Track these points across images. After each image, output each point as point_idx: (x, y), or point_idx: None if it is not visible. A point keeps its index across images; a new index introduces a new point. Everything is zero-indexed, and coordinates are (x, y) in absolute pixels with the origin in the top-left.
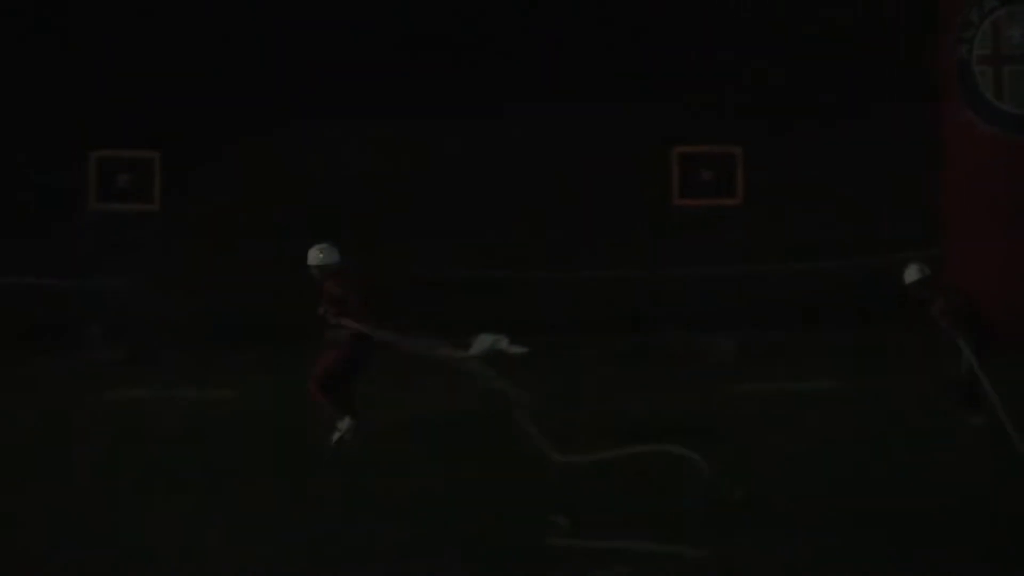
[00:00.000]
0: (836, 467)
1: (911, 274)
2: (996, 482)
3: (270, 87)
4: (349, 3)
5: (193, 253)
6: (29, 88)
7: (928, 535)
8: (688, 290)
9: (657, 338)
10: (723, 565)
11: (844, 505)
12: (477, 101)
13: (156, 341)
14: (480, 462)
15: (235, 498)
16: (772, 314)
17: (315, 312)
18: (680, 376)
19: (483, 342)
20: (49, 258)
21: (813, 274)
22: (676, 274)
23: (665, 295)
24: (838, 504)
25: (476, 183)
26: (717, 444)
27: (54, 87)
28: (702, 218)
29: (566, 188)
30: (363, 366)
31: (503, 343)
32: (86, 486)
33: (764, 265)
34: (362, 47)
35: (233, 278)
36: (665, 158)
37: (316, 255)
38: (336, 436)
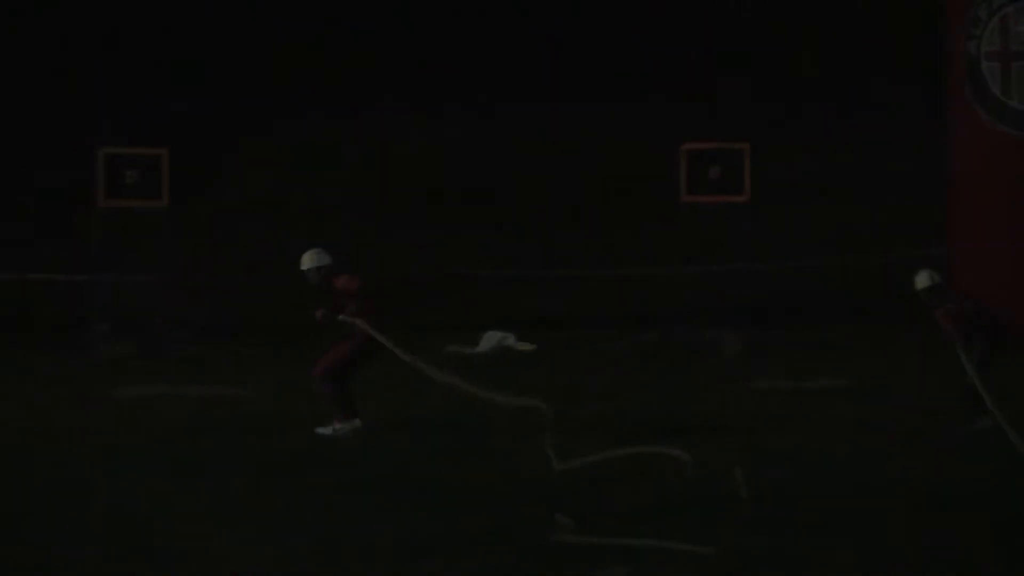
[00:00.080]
0: (842, 464)
1: (921, 280)
2: (1002, 480)
3: (278, 84)
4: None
5: (201, 249)
6: (37, 84)
7: (934, 532)
8: (696, 287)
9: (664, 335)
10: (731, 562)
11: (851, 502)
12: (483, 98)
13: (165, 337)
14: (483, 459)
15: (242, 495)
16: (780, 311)
17: (317, 312)
18: (687, 373)
19: (491, 339)
20: (58, 254)
21: (821, 271)
22: (684, 271)
23: (673, 292)
24: (845, 501)
25: (482, 180)
26: (724, 441)
27: (62, 83)
28: (710, 215)
29: (574, 185)
30: (368, 362)
31: (510, 340)
32: (98, 482)
33: (772, 262)
34: (370, 44)
35: (241, 274)
36: (673, 155)
37: (308, 259)
38: (328, 431)
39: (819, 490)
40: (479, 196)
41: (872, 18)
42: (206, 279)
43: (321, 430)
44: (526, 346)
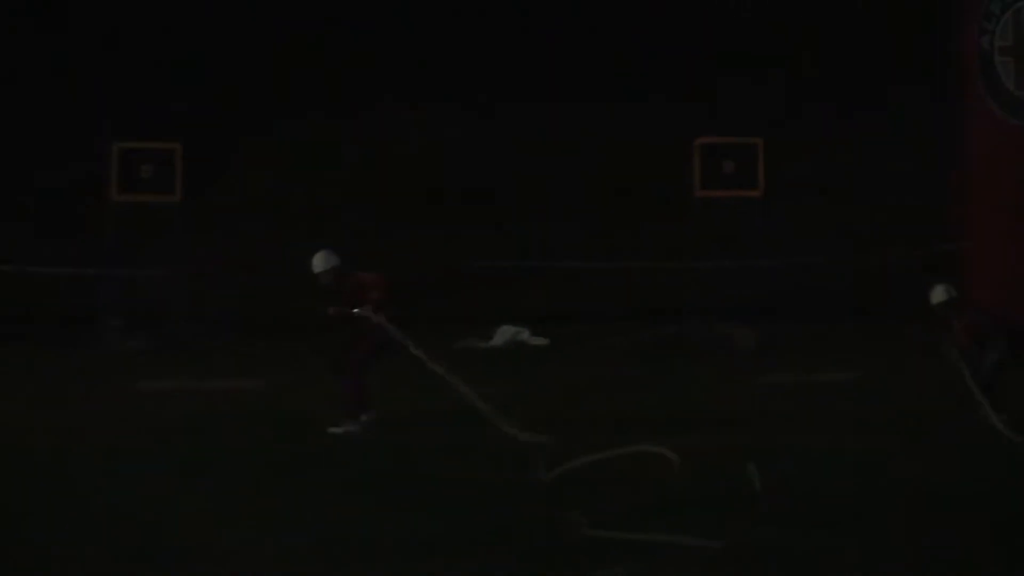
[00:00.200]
0: (847, 461)
1: (938, 295)
2: (1002, 480)
3: (292, 78)
4: None
5: (215, 244)
6: (51, 78)
7: (935, 531)
8: (709, 282)
9: (678, 329)
10: (738, 557)
11: (855, 500)
12: (483, 98)
13: (179, 332)
14: (485, 459)
15: (245, 493)
16: (793, 306)
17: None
18: (701, 367)
19: (504, 333)
20: (71, 249)
21: (833, 266)
22: (697, 266)
23: (686, 287)
24: (849, 498)
25: (496, 175)
26: (738, 435)
27: (76, 77)
28: (724, 210)
29: (588, 180)
30: (382, 358)
31: (524, 335)
32: (102, 479)
33: (785, 257)
34: (370, 44)
35: (254, 269)
36: (686, 150)
37: (320, 261)
38: (340, 430)
39: (824, 487)
40: (479, 196)
41: (887, 12)
42: (220, 273)
43: (334, 429)
44: (539, 341)
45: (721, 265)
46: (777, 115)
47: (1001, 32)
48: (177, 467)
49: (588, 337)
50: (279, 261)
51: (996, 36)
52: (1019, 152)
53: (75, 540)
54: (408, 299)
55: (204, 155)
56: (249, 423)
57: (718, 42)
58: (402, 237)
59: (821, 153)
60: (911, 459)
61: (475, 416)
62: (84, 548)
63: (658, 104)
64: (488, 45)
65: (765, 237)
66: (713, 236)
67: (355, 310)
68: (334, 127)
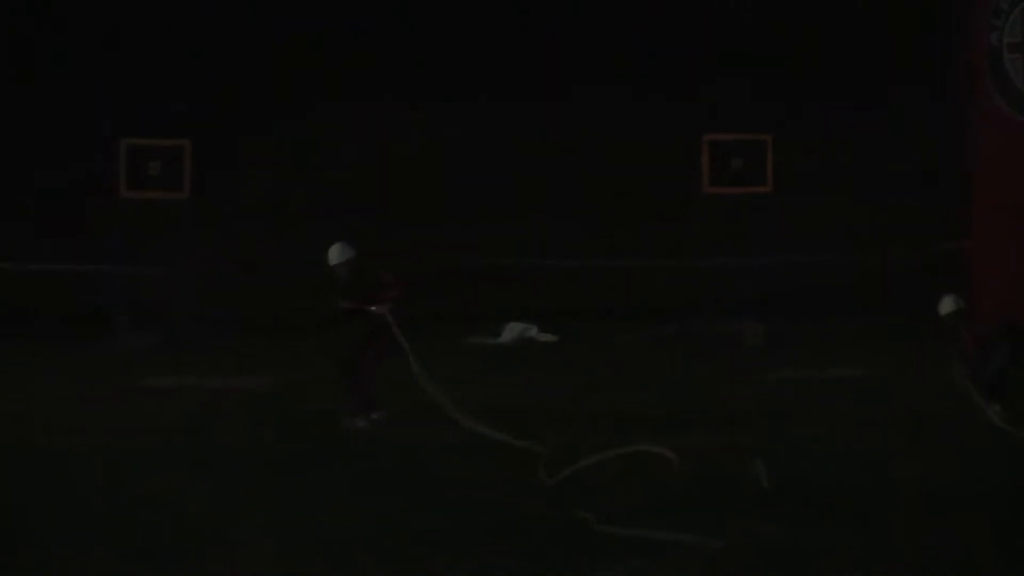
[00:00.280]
0: (850, 458)
1: (946, 306)
2: (1002, 480)
3: (301, 74)
4: None
5: (223, 241)
6: (60, 76)
7: (936, 531)
8: (718, 278)
9: (687, 325)
10: (739, 555)
11: (856, 498)
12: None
13: (187, 329)
14: (487, 457)
15: (249, 490)
16: (802, 302)
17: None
18: (710, 363)
19: (513, 330)
20: (80, 245)
21: (842, 262)
22: (706, 262)
23: (695, 283)
24: (851, 497)
25: (505, 172)
26: (744, 432)
27: (85, 75)
28: (732, 206)
29: (596, 177)
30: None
31: (532, 331)
32: (106, 476)
33: (794, 253)
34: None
35: (257, 267)
36: (695, 146)
37: (337, 254)
38: (357, 424)
39: (828, 484)
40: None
41: (896, 8)
42: (228, 270)
43: (346, 424)
44: (548, 337)
45: (729, 262)
46: (778, 115)
47: (1010, 29)
48: (180, 465)
49: (595, 335)
50: (280, 261)
51: (1005, 33)
52: None
53: (77, 538)
54: (410, 298)
55: (206, 154)
56: (253, 421)
57: (718, 42)
58: (402, 237)
59: (822, 152)
60: (915, 457)
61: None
62: (85, 546)
63: (658, 104)
64: (488, 45)
65: (774, 233)
66: (721, 233)
67: (372, 307)
68: (334, 127)
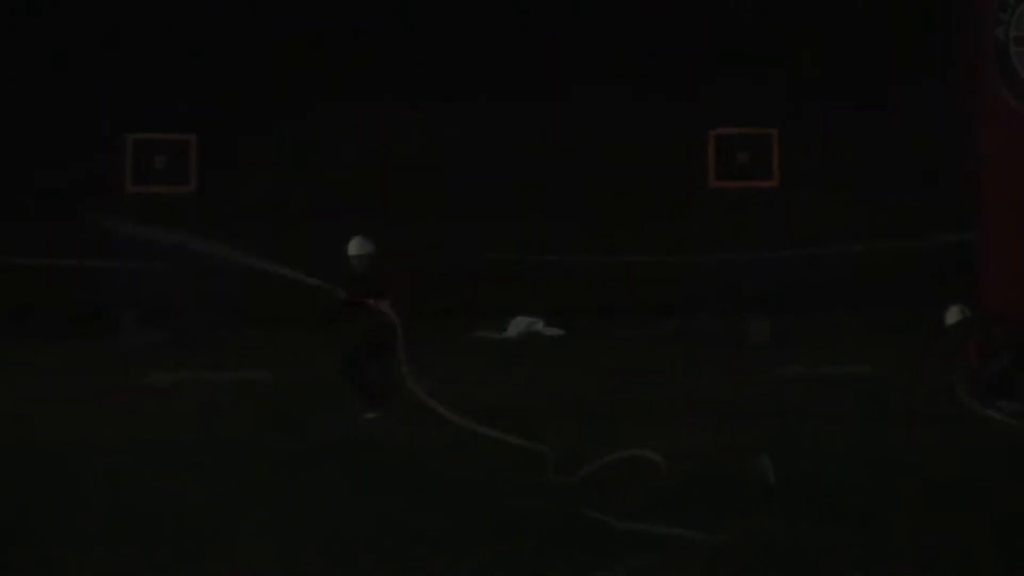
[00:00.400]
0: (853, 456)
1: (952, 316)
2: (1002, 480)
3: (306, 69)
4: None
5: (229, 236)
6: (65, 69)
7: (936, 530)
8: (724, 273)
9: (693, 321)
10: (740, 552)
11: (858, 496)
12: (512, 88)
13: (193, 324)
14: (490, 455)
15: (252, 487)
16: (808, 297)
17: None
18: (716, 359)
19: (519, 324)
20: (86, 241)
21: (849, 256)
22: (712, 257)
23: (701, 278)
24: (852, 495)
25: (505, 172)
26: (751, 427)
27: (90, 68)
28: (738, 200)
29: (601, 171)
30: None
31: (539, 325)
32: (108, 473)
33: (800, 247)
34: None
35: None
36: (701, 140)
37: (358, 246)
38: (374, 415)
39: (830, 482)
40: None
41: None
42: (233, 265)
43: (367, 416)
44: (554, 331)
45: (734, 257)
46: (778, 115)
47: (1017, 22)
48: (181, 464)
49: (601, 330)
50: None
51: (1011, 26)
52: None
53: (78, 534)
54: (416, 298)
55: (207, 153)
56: (254, 419)
57: (718, 42)
58: (402, 237)
59: (823, 151)
60: (918, 455)
61: (480, 414)
62: (87, 542)
63: (659, 103)
64: (488, 45)
65: (780, 228)
66: (727, 227)
67: (371, 302)
68: (334, 127)
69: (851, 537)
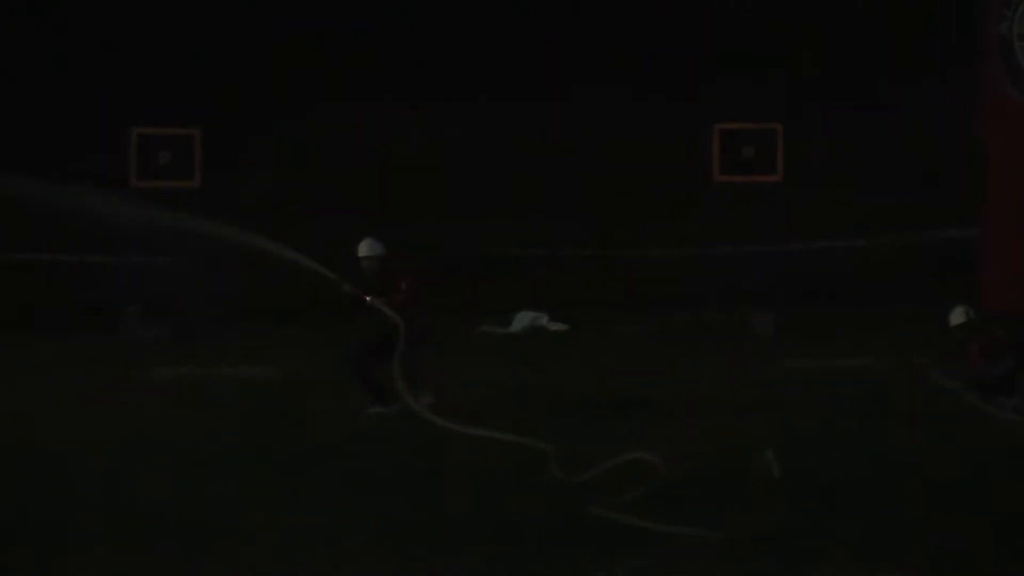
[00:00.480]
0: (854, 452)
1: (956, 317)
2: (1003, 480)
3: (312, 65)
4: None
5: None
6: (69, 64)
7: (936, 530)
8: (729, 267)
9: (698, 315)
10: (738, 548)
11: (858, 495)
12: (512, 88)
13: (197, 320)
14: (490, 454)
15: (255, 484)
16: (813, 291)
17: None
18: (721, 353)
19: (523, 319)
20: (89, 235)
21: (853, 251)
22: (717, 251)
23: (706, 272)
24: (853, 494)
25: (506, 171)
26: (755, 421)
27: (94, 63)
28: (743, 195)
29: (606, 166)
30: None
31: (543, 320)
32: (110, 469)
33: (805, 242)
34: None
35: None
36: (706, 135)
37: (369, 247)
38: (379, 410)
39: (833, 476)
40: (513, 178)
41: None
42: (238, 261)
43: (373, 410)
44: (559, 326)
45: (738, 251)
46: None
47: (1020, 18)
48: (181, 462)
49: (605, 324)
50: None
51: (1015, 23)
52: None
53: (80, 531)
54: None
55: (229, 139)
56: (256, 416)
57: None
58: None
59: (823, 150)
60: (920, 449)
61: (482, 412)
62: (88, 539)
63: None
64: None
65: (784, 222)
66: (731, 222)
67: (373, 302)
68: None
69: (852, 532)
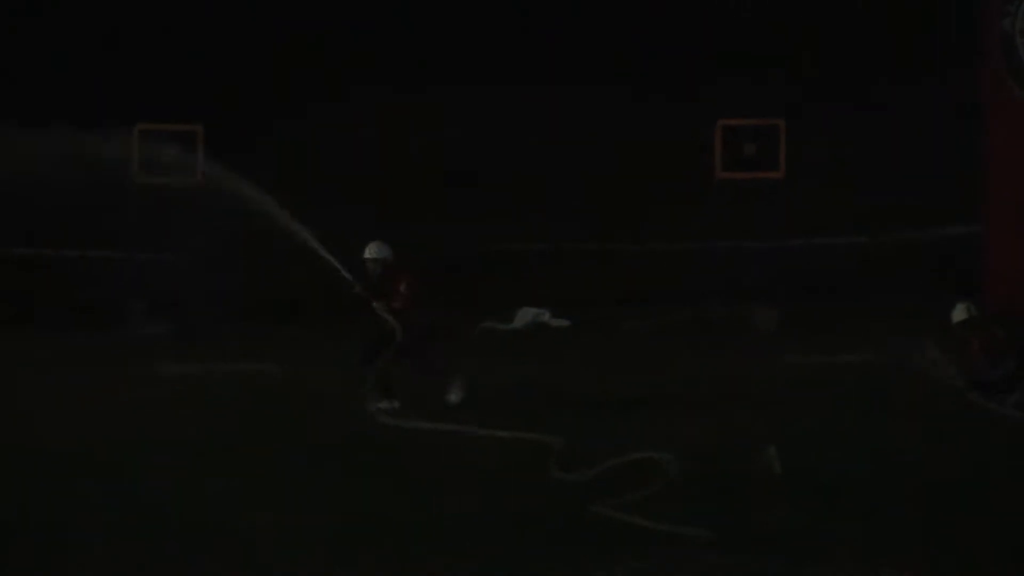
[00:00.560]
0: (855, 451)
1: (958, 314)
2: (1003, 480)
3: (314, 61)
4: None
5: (236, 227)
6: (73, 60)
7: (937, 530)
8: (731, 262)
9: (700, 310)
10: (737, 547)
11: (858, 494)
12: (513, 88)
13: (200, 316)
14: (490, 454)
15: (257, 481)
16: (814, 286)
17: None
18: (723, 348)
19: (525, 315)
20: (93, 232)
21: (854, 247)
22: (719, 247)
23: (708, 268)
24: (853, 492)
25: (506, 171)
26: (757, 417)
27: (98, 59)
28: (745, 191)
29: (609, 162)
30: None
31: (545, 316)
32: (112, 465)
33: (806, 237)
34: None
35: (275, 253)
36: (708, 132)
37: (375, 250)
38: (385, 406)
39: (834, 473)
40: (517, 173)
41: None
42: (241, 257)
43: (380, 405)
44: (560, 322)
45: (741, 246)
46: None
47: (1022, 14)
48: (181, 461)
49: (607, 320)
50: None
51: (1018, 18)
52: None
53: (81, 528)
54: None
55: (231, 135)
56: (257, 414)
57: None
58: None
59: (826, 144)
60: (922, 446)
61: (484, 410)
62: (90, 534)
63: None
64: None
65: (786, 218)
66: (734, 218)
67: (375, 304)
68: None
69: (853, 530)
